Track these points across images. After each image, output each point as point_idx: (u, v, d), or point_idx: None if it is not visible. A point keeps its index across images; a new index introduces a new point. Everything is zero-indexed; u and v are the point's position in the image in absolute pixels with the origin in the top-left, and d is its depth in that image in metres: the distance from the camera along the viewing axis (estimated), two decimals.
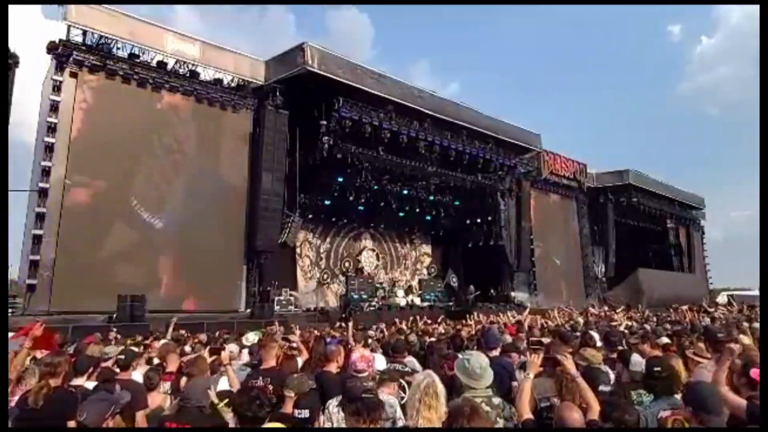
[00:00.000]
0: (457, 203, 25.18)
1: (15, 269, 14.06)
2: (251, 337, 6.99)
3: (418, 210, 24.13)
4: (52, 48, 14.32)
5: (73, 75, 14.48)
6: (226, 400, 3.07)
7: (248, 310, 16.54)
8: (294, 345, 5.53)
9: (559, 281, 28.80)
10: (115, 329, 10.58)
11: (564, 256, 29.66)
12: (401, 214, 24.22)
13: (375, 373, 3.70)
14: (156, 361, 5.33)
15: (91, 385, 3.84)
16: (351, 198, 20.94)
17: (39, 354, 4.36)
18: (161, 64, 16.12)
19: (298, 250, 22.03)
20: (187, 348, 6.82)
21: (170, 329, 8.26)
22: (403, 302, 21.47)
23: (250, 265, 17.32)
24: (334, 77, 16.85)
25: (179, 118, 16.59)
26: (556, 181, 29.20)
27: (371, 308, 19.57)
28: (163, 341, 7.19)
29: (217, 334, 9.61)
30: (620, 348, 4.58)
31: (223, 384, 4.01)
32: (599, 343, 4.97)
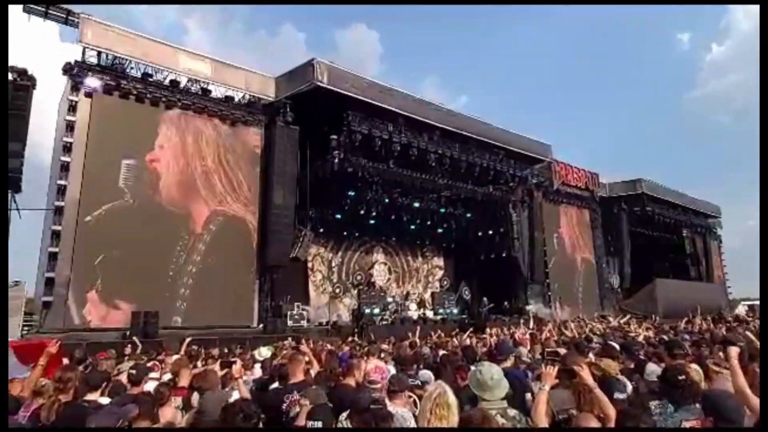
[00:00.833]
0: (468, 215, 25.08)
1: (31, 287, 14.21)
2: (264, 352, 6.98)
3: (429, 223, 24.07)
4: (67, 69, 14.65)
5: (88, 95, 14.78)
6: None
7: (261, 325, 16.53)
8: (307, 359, 5.49)
9: (575, 292, 28.41)
10: (130, 345, 10.63)
11: (579, 267, 29.30)
12: (413, 227, 24.17)
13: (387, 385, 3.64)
14: (168, 376, 5.32)
15: (105, 400, 3.84)
16: (362, 212, 20.96)
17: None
18: (174, 83, 16.40)
19: (310, 265, 22.05)
20: (199, 363, 6.81)
21: (183, 346, 8.25)
22: (415, 315, 21.31)
23: (263, 279, 17.34)
24: (344, 92, 16.99)
25: None
26: (568, 192, 28.96)
27: (384, 322, 19.46)
28: (175, 357, 7.19)
29: (226, 350, 9.59)
30: (639, 358, 4.48)
31: (234, 398, 3.98)
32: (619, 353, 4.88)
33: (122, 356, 8.86)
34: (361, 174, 18.63)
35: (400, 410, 3.16)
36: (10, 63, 11.92)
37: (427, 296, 25.22)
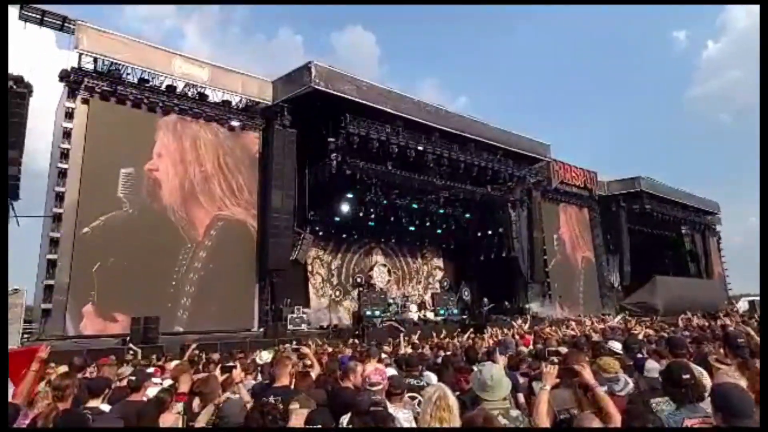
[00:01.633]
0: (467, 216, 25.06)
1: (30, 294, 14.18)
2: (265, 356, 6.96)
3: (428, 224, 24.06)
4: (64, 76, 14.65)
5: (85, 101, 14.77)
6: None
7: (261, 329, 16.50)
8: (308, 362, 5.48)
9: (575, 292, 28.41)
10: (132, 351, 10.62)
11: (578, 265, 29.30)
12: (412, 229, 24.15)
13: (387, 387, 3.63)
14: (169, 381, 5.30)
15: (106, 407, 3.83)
16: (361, 214, 20.96)
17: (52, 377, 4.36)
18: (170, 88, 16.38)
19: (309, 268, 22.03)
20: (200, 368, 6.78)
21: (188, 353, 8.20)
22: (416, 317, 21.28)
23: (262, 283, 17.32)
24: (341, 95, 17.00)
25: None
26: (566, 191, 28.99)
27: (384, 324, 19.42)
28: (176, 362, 7.17)
29: (227, 354, 9.56)
30: (638, 356, 4.47)
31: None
32: (619, 351, 4.88)
33: (123, 362, 8.84)
34: (359, 176, 18.64)
35: (402, 412, 3.15)
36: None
37: (427, 297, 25.17)
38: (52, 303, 13.46)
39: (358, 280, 23.78)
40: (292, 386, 4.25)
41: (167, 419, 3.75)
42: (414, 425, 3.06)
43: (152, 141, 15.93)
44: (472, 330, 13.05)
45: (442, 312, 22.71)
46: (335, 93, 16.86)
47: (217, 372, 4.90)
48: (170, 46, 16.81)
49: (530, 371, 4.63)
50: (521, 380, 4.38)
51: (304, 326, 18.23)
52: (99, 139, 14.80)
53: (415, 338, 9.95)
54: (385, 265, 25.44)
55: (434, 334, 12.02)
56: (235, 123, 17.64)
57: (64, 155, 14.36)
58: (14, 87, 12.80)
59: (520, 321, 14.96)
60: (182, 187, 16.28)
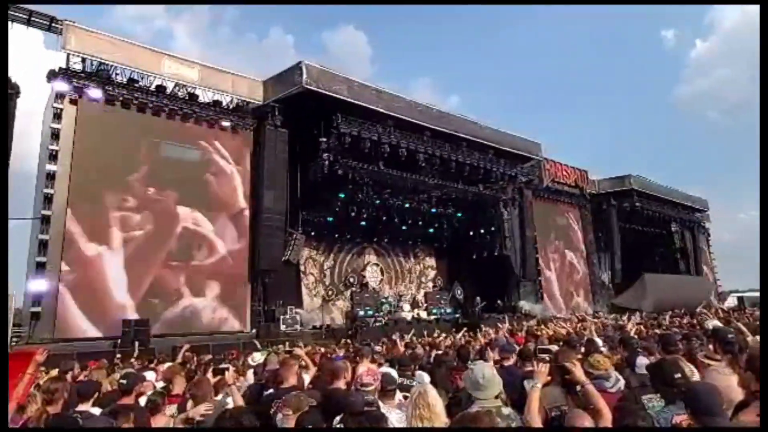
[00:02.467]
0: (459, 215, 25.11)
1: (19, 297, 14.02)
2: (257, 357, 6.91)
3: (421, 223, 24.08)
4: (51, 76, 14.49)
5: (73, 102, 14.63)
6: None
7: (254, 330, 16.44)
8: (303, 363, 5.46)
9: (567, 289, 28.58)
10: (120, 354, 10.54)
11: (570, 263, 29.49)
12: (404, 228, 24.15)
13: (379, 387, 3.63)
14: (161, 384, 5.27)
15: (96, 411, 3.79)
16: (353, 213, 20.93)
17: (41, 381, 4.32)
18: (160, 88, 16.26)
19: (302, 268, 21.97)
20: (193, 370, 6.74)
21: (181, 354, 8.14)
22: (409, 316, 21.31)
23: (255, 284, 17.26)
24: (332, 94, 16.97)
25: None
26: (558, 189, 29.18)
27: (377, 323, 19.43)
28: (168, 364, 7.12)
29: (223, 355, 9.52)
30: (628, 352, 4.50)
31: (228, 405, 3.95)
32: (603, 350, 4.91)
33: (114, 365, 8.78)
34: (351, 176, 18.62)
35: (395, 412, 3.15)
36: None
37: (420, 296, 25.20)
38: (41, 306, 13.33)
39: (351, 280, 23.77)
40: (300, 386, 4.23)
41: (159, 421, 3.73)
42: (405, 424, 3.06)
43: (141, 142, 15.81)
44: (465, 329, 13.06)
45: (435, 311, 22.77)
46: (327, 93, 16.84)
47: (210, 374, 4.88)
48: (160, 47, 16.69)
49: (522, 369, 4.64)
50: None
51: (297, 327, 18.21)
52: (88, 140, 14.66)
53: (408, 338, 9.95)
54: (377, 265, 25.43)
55: (425, 334, 12.02)
56: (225, 123, 17.55)
57: (53, 157, 14.23)
58: None
59: (507, 323, 15.00)
60: (173, 187, 16.18)
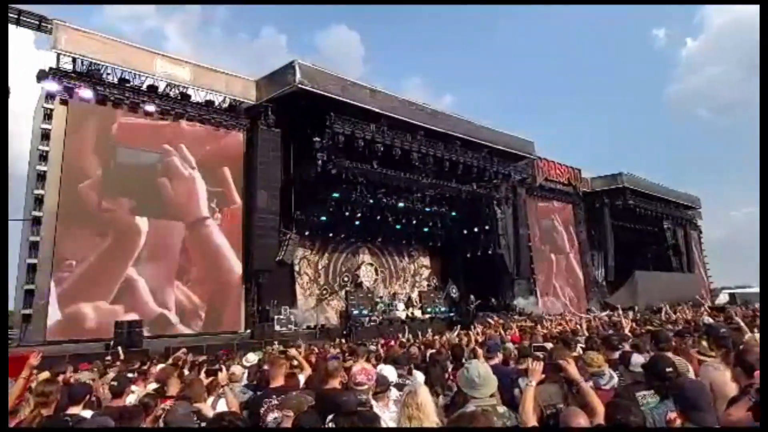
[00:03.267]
0: (453, 214, 25.12)
1: (11, 299, 13.90)
2: (252, 358, 6.88)
3: (415, 222, 24.06)
4: (41, 77, 14.34)
5: (64, 102, 14.49)
6: None
7: (248, 331, 16.38)
8: (296, 363, 5.43)
9: (561, 287, 28.69)
10: (113, 355, 10.44)
11: (563, 261, 29.61)
12: (398, 227, 24.13)
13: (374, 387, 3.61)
14: (154, 385, 5.23)
15: (87, 413, 3.75)
16: (347, 213, 20.88)
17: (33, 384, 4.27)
18: (152, 88, 16.14)
19: (296, 268, 21.90)
20: (186, 371, 6.69)
21: (173, 356, 8.07)
22: (403, 315, 21.32)
23: (249, 284, 17.18)
24: (326, 93, 16.93)
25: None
26: (551, 187, 29.30)
27: (372, 323, 19.42)
28: (161, 366, 7.07)
29: (217, 356, 9.47)
30: (621, 349, 4.51)
31: (221, 406, 3.92)
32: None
33: (106, 367, 8.70)
34: (344, 175, 18.56)
35: (388, 412, 3.14)
36: None
37: (414, 295, 25.17)
38: (33, 308, 13.21)
39: (346, 279, 23.74)
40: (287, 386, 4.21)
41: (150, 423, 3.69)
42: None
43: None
44: (459, 327, 13.08)
45: (429, 310, 22.77)
46: (320, 92, 16.79)
47: (203, 375, 4.85)
48: (151, 47, 16.54)
49: (516, 367, 4.64)
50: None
51: (291, 327, 18.15)
52: (78, 140, 14.54)
53: (402, 337, 9.95)
54: (372, 264, 25.41)
55: (419, 333, 12.01)
56: (218, 123, 17.45)
57: (43, 157, 14.11)
58: None
59: (496, 317, 15.13)
60: (166, 188, 16.07)
